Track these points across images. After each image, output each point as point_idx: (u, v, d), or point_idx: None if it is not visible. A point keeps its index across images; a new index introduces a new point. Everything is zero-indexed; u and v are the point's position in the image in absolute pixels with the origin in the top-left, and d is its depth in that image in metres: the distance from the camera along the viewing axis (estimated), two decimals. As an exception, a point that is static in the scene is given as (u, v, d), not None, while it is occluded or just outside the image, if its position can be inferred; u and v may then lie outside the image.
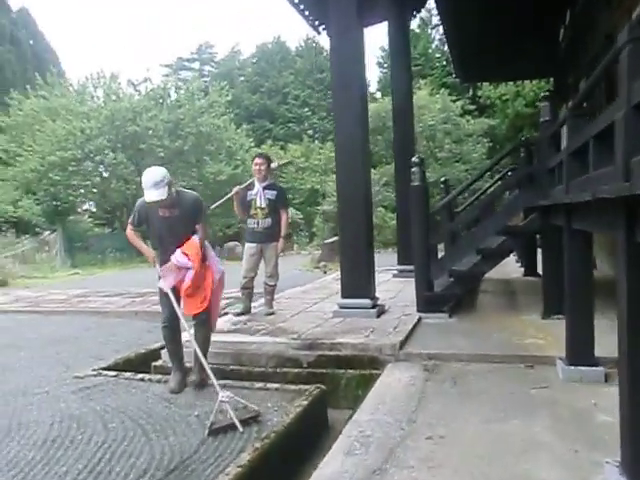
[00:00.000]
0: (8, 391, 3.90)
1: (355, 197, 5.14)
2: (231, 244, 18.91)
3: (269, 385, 3.63)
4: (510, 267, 8.78)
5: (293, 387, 3.57)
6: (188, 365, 3.82)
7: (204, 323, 3.67)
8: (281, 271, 5.66)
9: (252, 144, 24.69)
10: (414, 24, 27.75)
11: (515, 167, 7.12)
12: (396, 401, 3.08)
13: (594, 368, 3.21)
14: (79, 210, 23.67)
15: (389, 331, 4.41)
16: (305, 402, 3.25)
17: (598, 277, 3.58)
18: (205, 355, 3.58)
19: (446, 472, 2.23)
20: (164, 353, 4.21)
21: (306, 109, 33.81)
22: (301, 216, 23.24)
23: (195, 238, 3.56)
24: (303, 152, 27.09)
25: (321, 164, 24.03)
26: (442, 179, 9.41)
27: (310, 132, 31.90)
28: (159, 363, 4.37)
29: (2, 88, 23.68)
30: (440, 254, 6.09)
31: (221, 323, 4.88)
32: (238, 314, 5.40)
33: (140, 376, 3.96)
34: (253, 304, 5.68)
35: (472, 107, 24.44)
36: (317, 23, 8.62)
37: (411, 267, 5.54)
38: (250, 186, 5.43)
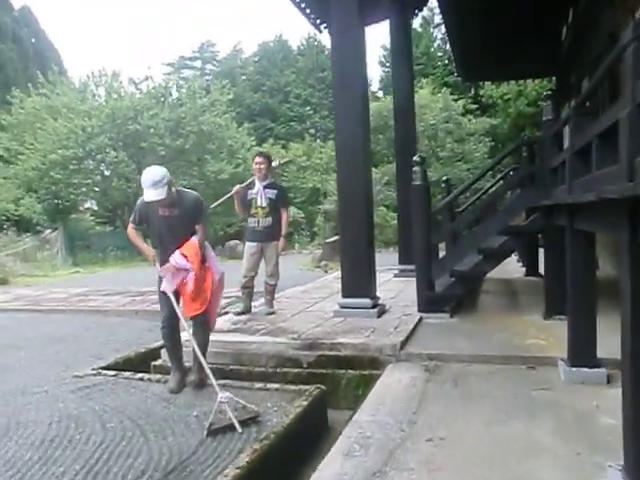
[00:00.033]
0: (7, 390, 3.89)
1: (356, 196, 5.12)
2: (232, 243, 18.89)
3: (269, 385, 3.61)
4: (512, 267, 8.75)
5: (293, 387, 3.55)
6: (187, 365, 3.80)
7: (203, 324, 3.65)
8: (282, 270, 5.64)
9: (253, 143, 24.66)
10: (416, 23, 27.68)
11: (517, 167, 7.08)
12: (396, 402, 3.05)
13: (596, 369, 3.18)
14: (81, 208, 23.67)
15: (390, 331, 4.39)
16: (305, 403, 3.23)
17: (600, 277, 3.55)
18: (204, 355, 3.56)
19: (446, 475, 2.21)
20: (164, 352, 4.19)
21: (308, 108, 33.74)
22: (302, 215, 23.20)
23: (194, 239, 3.54)
24: (305, 151, 27.04)
25: (322, 163, 23.98)
26: (444, 178, 9.37)
27: (312, 131, 31.81)
28: (159, 362, 4.35)
29: (4, 86, 23.70)
30: (441, 254, 6.06)
31: (221, 322, 4.86)
32: (238, 313, 5.39)
33: (139, 376, 3.94)
34: (253, 303, 5.66)
35: (474, 106, 24.38)
36: (319, 21, 8.59)
37: (412, 267, 5.52)
38: (251, 185, 5.41)
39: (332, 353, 4.06)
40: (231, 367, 4.11)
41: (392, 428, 2.67)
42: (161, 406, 3.38)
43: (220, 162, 21.35)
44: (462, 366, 3.67)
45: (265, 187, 5.33)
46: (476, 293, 6.32)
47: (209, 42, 42.12)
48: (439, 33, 29.39)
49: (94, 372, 4.12)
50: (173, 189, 3.49)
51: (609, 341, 3.47)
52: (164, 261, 3.56)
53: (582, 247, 3.20)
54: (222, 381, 3.55)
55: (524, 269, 8.36)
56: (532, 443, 2.46)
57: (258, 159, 5.40)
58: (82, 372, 4.14)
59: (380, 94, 29.31)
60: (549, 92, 5.27)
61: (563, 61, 9.82)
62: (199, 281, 3.52)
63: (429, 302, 5.07)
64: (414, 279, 5.27)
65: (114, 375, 4.02)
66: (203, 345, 3.61)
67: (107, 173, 20.46)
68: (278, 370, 4.02)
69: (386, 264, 9.12)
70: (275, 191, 5.38)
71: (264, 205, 5.30)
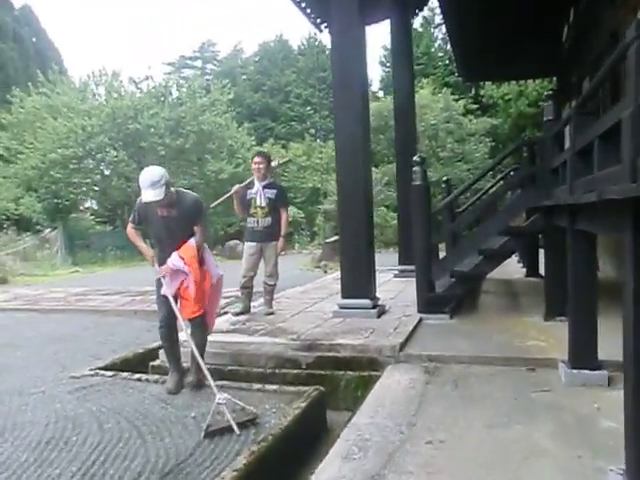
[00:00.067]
0: (4, 391, 3.86)
1: (356, 196, 5.09)
2: (232, 243, 18.88)
3: (267, 386, 3.58)
4: (512, 267, 8.72)
5: (292, 389, 3.52)
6: (186, 365, 3.78)
7: (201, 325, 3.63)
8: (281, 270, 5.62)
9: (254, 142, 24.64)
10: (417, 23, 27.66)
11: (517, 167, 7.06)
12: (396, 404, 3.03)
13: (597, 371, 3.15)
14: (81, 208, 23.67)
15: (389, 332, 4.36)
16: (303, 404, 3.20)
17: (601, 278, 3.52)
18: (202, 356, 3.54)
19: (446, 478, 2.18)
20: (162, 353, 4.17)
21: (308, 108, 33.69)
22: (302, 215, 23.18)
23: (192, 241, 3.51)
24: (305, 151, 27.03)
25: (322, 163, 23.95)
26: (444, 179, 9.35)
27: (312, 131, 31.76)
28: (157, 363, 4.33)
29: (4, 85, 23.68)
30: (441, 254, 6.04)
31: (220, 322, 4.84)
32: (237, 314, 5.36)
33: (137, 376, 3.92)
34: (253, 304, 5.63)
35: (474, 106, 24.35)
36: (319, 21, 8.56)
37: (412, 267, 5.49)
38: (250, 185, 5.39)
39: (331, 354, 4.03)
40: (229, 368, 4.09)
41: (391, 430, 2.65)
42: (159, 407, 3.35)
43: (220, 162, 21.34)
44: (462, 367, 3.64)
45: (264, 187, 5.31)
46: (476, 294, 6.30)
47: (210, 42, 42.14)
48: (440, 33, 29.39)
49: (92, 373, 4.09)
50: (172, 189, 3.47)
51: (610, 343, 3.44)
52: (163, 261, 3.53)
53: (583, 248, 3.17)
54: (220, 382, 3.53)
55: (524, 270, 8.34)
56: (532, 446, 2.43)
57: (257, 159, 5.38)
58: (79, 372, 4.11)
59: (380, 94, 29.30)
60: (550, 92, 5.23)
61: (564, 61, 9.80)
62: (198, 284, 3.50)
63: (429, 303, 5.05)
64: (414, 279, 5.24)
65: (112, 376, 4.00)
66: (201, 346, 3.59)
67: (107, 172, 20.46)
68: (277, 371, 3.99)
69: (386, 264, 9.10)
70: (274, 191, 5.36)
71: (263, 205, 5.27)
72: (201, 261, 3.55)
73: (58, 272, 15.77)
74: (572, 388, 3.12)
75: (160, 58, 59.05)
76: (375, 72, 33.08)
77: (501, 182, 7.32)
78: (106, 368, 4.28)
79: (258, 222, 5.29)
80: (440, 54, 28.91)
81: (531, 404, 2.96)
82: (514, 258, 9.16)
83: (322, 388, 3.50)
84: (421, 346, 4.08)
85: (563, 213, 3.48)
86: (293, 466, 2.83)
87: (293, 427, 2.94)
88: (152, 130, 19.42)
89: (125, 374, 4.00)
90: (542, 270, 5.86)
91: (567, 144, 3.71)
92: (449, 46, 15.25)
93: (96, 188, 21.09)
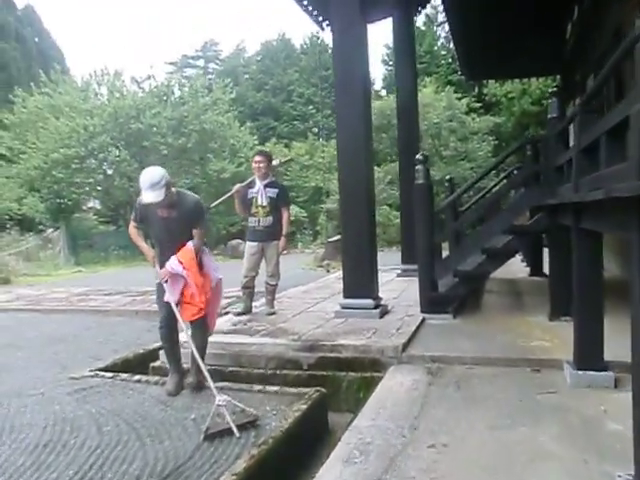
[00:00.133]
0: (3, 392, 3.83)
1: (358, 194, 5.05)
2: (234, 242, 18.85)
3: (268, 388, 3.55)
4: (516, 267, 8.66)
5: (293, 390, 3.48)
6: (186, 366, 3.74)
7: (201, 326, 3.59)
8: (283, 270, 5.58)
9: (256, 142, 24.59)
10: (419, 21, 27.59)
11: (521, 165, 7.00)
12: (398, 406, 2.98)
13: (603, 373, 3.10)
14: (84, 208, 23.69)
15: (392, 332, 4.32)
16: (304, 406, 3.16)
17: (606, 277, 3.46)
18: (203, 357, 3.50)
19: (449, 483, 2.14)
20: (162, 354, 4.13)
21: (311, 107, 33.62)
22: (305, 214, 23.13)
23: (189, 244, 3.47)
24: (307, 150, 26.97)
25: (325, 162, 23.89)
26: (447, 177, 9.30)
27: (314, 130, 31.71)
28: (157, 364, 4.30)
29: (7, 85, 23.67)
30: (445, 253, 5.99)
31: (221, 323, 4.80)
32: (239, 314, 5.32)
33: (137, 377, 3.89)
34: (254, 303, 5.60)
35: (478, 105, 24.24)
36: (321, 19, 8.49)
37: (415, 266, 5.44)
38: (251, 184, 5.35)
39: (333, 355, 3.99)
40: (230, 369, 4.05)
41: (393, 433, 2.60)
42: (158, 409, 3.32)
43: (222, 161, 21.32)
44: (465, 368, 3.60)
45: (266, 186, 5.27)
46: (480, 293, 6.24)
47: (212, 41, 42.11)
48: (442, 31, 29.29)
49: (91, 374, 4.06)
50: (173, 189, 3.43)
51: (616, 343, 3.38)
52: (163, 263, 3.50)
53: (588, 247, 3.12)
54: (220, 383, 3.50)
55: (528, 269, 8.27)
56: (537, 449, 2.38)
57: (257, 158, 5.34)
58: (79, 374, 4.08)
59: (383, 93, 29.19)
60: (554, 89, 5.18)
61: (568, 59, 9.72)
62: (199, 287, 3.46)
63: (432, 302, 5.00)
64: (417, 279, 5.19)
65: (111, 377, 3.97)
66: (201, 348, 3.55)
67: (109, 172, 20.45)
68: (278, 372, 3.95)
69: (389, 264, 9.06)
70: (276, 190, 5.31)
71: (264, 204, 5.23)
72: (200, 264, 3.51)
73: (61, 272, 15.78)
74: (578, 390, 3.07)
75: (162, 58, 59.04)
76: (378, 71, 33.08)
77: (504, 181, 7.26)
78: (106, 369, 4.25)
79: (259, 221, 5.25)
80: (443, 52, 28.80)
81: (536, 406, 2.91)
82: (518, 257, 9.09)
83: (323, 389, 3.46)
84: (424, 347, 4.03)
85: (568, 211, 3.43)
86: (294, 469, 2.79)
87: (294, 429, 2.90)
88: (154, 129, 19.40)
89: (125, 375, 3.97)
90: (546, 269, 5.81)
91: (572, 142, 3.66)
92: (452, 44, 15.19)
93: (99, 188, 21.09)
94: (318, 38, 35.54)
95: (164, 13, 73.37)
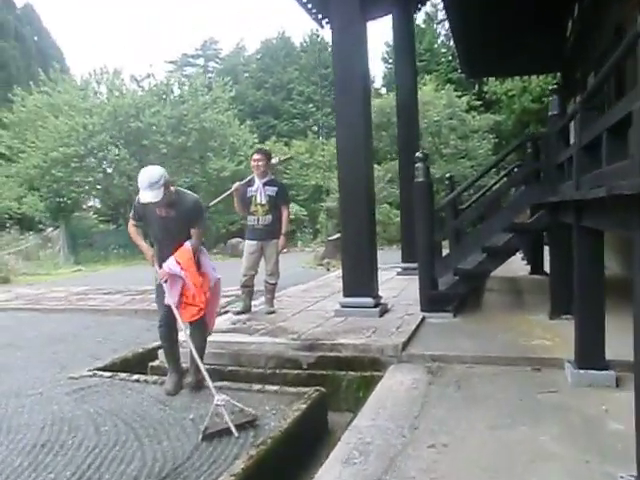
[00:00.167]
0: (1, 392, 3.82)
1: (357, 193, 5.03)
2: (234, 241, 18.81)
3: (267, 387, 3.53)
4: (516, 265, 8.64)
5: (292, 389, 3.47)
6: (185, 366, 3.72)
7: (200, 326, 3.57)
8: (283, 268, 5.56)
9: (256, 140, 24.53)
10: (419, 19, 27.51)
11: (521, 163, 6.97)
12: (398, 406, 2.96)
13: (605, 372, 3.07)
14: (84, 206, 23.66)
15: (392, 331, 4.30)
16: (304, 405, 3.14)
17: (607, 275, 3.43)
18: (202, 357, 3.48)
19: (449, 484, 2.12)
20: (161, 353, 4.12)
21: (311, 105, 33.57)
22: (305, 213, 23.10)
23: (187, 244, 3.44)
24: (307, 148, 26.93)
25: (325, 160, 23.88)
26: (447, 175, 9.27)
27: (314, 128, 31.72)
28: (156, 363, 4.28)
29: (6, 84, 23.64)
30: (445, 252, 5.97)
31: (220, 322, 4.78)
32: (238, 313, 5.30)
33: (136, 377, 3.87)
34: (254, 302, 5.58)
35: (478, 103, 24.19)
36: (320, 16, 8.45)
37: (415, 265, 5.42)
38: (250, 182, 5.32)
39: (332, 354, 3.97)
40: (229, 368, 4.03)
41: (393, 433, 2.58)
42: (157, 409, 3.30)
43: (222, 160, 21.29)
44: (465, 367, 3.57)
45: (265, 184, 5.24)
46: (480, 292, 6.22)
47: (212, 39, 42.02)
48: (442, 29, 29.24)
49: (90, 373, 4.04)
50: (172, 188, 3.41)
51: (618, 342, 3.36)
52: (161, 261, 3.48)
53: (589, 245, 3.10)
54: (219, 383, 3.48)
55: (529, 267, 8.25)
56: (538, 449, 2.36)
57: (256, 156, 5.31)
58: (78, 373, 4.06)
59: (383, 91, 29.15)
60: (555, 86, 5.15)
61: (568, 57, 9.70)
62: (198, 287, 3.44)
63: (432, 301, 4.98)
64: (417, 277, 5.17)
65: (110, 376, 3.95)
66: (200, 348, 3.53)
67: (109, 171, 20.43)
68: (277, 371, 3.93)
69: (389, 262, 9.03)
70: (275, 188, 5.29)
71: (264, 202, 5.21)
72: (198, 264, 3.49)
73: (61, 271, 15.76)
74: (579, 389, 3.05)
75: (162, 57, 59.13)
76: (378, 69, 33.02)
77: (505, 179, 7.23)
78: (105, 369, 4.22)
79: (258, 220, 5.22)
80: (443, 50, 28.75)
81: (536, 405, 2.88)
82: (518, 255, 9.07)
83: (323, 389, 3.44)
84: (424, 346, 4.01)
85: (569, 209, 3.41)
86: (293, 469, 2.77)
87: (293, 429, 2.89)
88: (154, 128, 19.37)
89: (124, 375, 3.95)
90: (547, 267, 5.78)
91: (572, 140, 3.64)
92: (452, 42, 15.17)
93: (98, 187, 21.07)
94: (318, 36, 35.47)
95: (164, 13, 73.22)
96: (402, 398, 3.08)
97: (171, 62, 39.75)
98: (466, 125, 23.12)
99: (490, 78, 17.79)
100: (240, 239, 17.83)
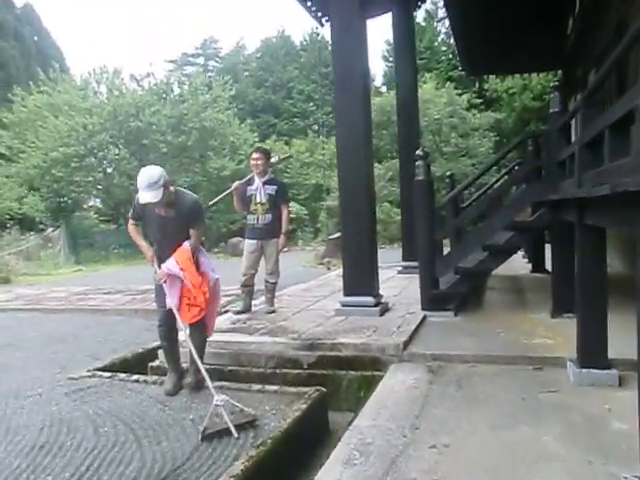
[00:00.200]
0: (0, 393, 3.79)
1: (358, 192, 5.00)
2: (234, 240, 18.79)
3: (267, 387, 3.51)
4: (517, 263, 8.61)
5: (292, 389, 3.44)
6: (185, 365, 3.70)
7: (200, 327, 3.54)
8: (284, 267, 5.53)
9: (256, 139, 24.52)
10: (419, 17, 27.51)
11: (522, 161, 6.94)
12: (399, 405, 2.94)
13: (607, 371, 3.05)
14: (85, 206, 23.65)
15: (392, 330, 4.27)
16: (304, 405, 3.12)
17: (609, 273, 3.40)
18: (201, 357, 3.46)
19: (451, 485, 2.09)
20: (161, 353, 4.10)
21: (311, 104, 33.53)
22: (306, 212, 23.08)
23: (186, 244, 3.42)
24: (308, 147, 26.89)
25: (325, 159, 23.85)
26: (448, 174, 9.24)
27: (315, 127, 31.68)
28: (156, 363, 4.26)
29: (6, 84, 23.62)
30: (446, 250, 5.94)
31: (220, 321, 4.75)
32: (238, 312, 5.28)
33: (135, 377, 3.85)
34: (254, 302, 5.55)
35: (478, 101, 24.15)
36: (320, 15, 8.43)
37: (416, 264, 5.39)
38: (250, 181, 5.30)
39: (333, 353, 3.95)
40: (229, 368, 4.01)
41: (394, 434, 2.56)
42: (156, 409, 3.28)
43: (222, 159, 21.27)
44: (466, 367, 3.55)
45: (264, 183, 5.22)
46: (481, 290, 6.19)
47: (212, 38, 42.00)
48: (443, 27, 29.19)
49: (89, 374, 4.02)
50: (171, 188, 3.39)
51: (621, 341, 3.33)
52: (160, 261, 3.46)
53: (592, 243, 3.07)
54: (219, 383, 3.46)
55: (530, 265, 8.22)
56: (540, 449, 2.34)
57: (255, 155, 5.29)
58: (77, 374, 4.04)
59: (383, 89, 29.10)
60: (556, 83, 5.12)
61: (569, 54, 9.65)
62: (197, 287, 3.41)
63: (433, 300, 4.95)
64: (418, 276, 5.14)
65: (110, 377, 3.92)
66: (200, 348, 3.50)
67: (109, 170, 20.41)
68: (277, 371, 3.91)
69: (390, 261, 9.01)
70: (275, 187, 5.26)
71: (263, 201, 5.18)
72: (197, 264, 3.46)
73: (61, 271, 15.75)
74: (581, 388, 3.03)
75: (162, 57, 59.07)
76: (378, 67, 32.97)
77: (506, 177, 7.20)
78: (104, 369, 4.20)
79: (258, 219, 5.20)
80: (443, 48, 28.68)
81: (538, 405, 2.86)
82: (519, 254, 9.04)
83: (323, 389, 3.41)
84: (425, 345, 3.99)
85: (571, 207, 3.38)
86: (293, 470, 2.75)
87: (293, 429, 2.86)
88: (154, 127, 19.35)
89: (123, 375, 3.93)
90: (548, 266, 5.75)
91: (574, 137, 3.61)
92: (452, 40, 15.12)
93: (99, 186, 21.06)
94: (318, 35, 35.45)
95: (164, 13, 73.19)
96: (403, 398, 3.06)
97: (171, 61, 39.77)
98: (467, 123, 23.08)
99: (491, 76, 17.73)
100: (241, 238, 17.76)
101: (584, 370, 3.09)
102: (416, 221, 5.10)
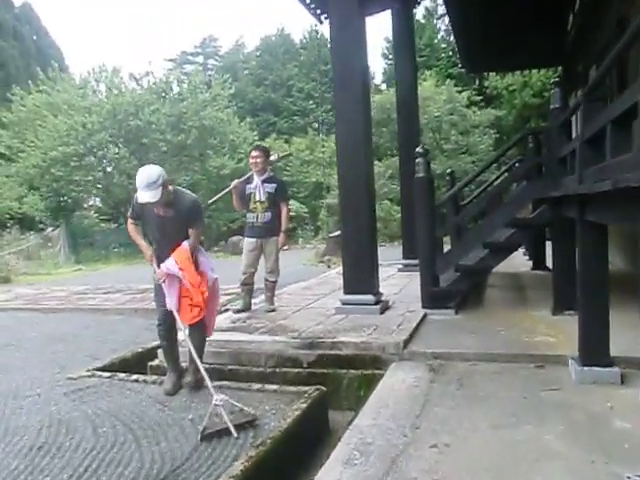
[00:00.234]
0: (-1, 393, 3.78)
1: (357, 190, 4.97)
2: (235, 238, 18.75)
3: (267, 386, 3.49)
4: (518, 260, 8.58)
5: (292, 388, 3.42)
6: (184, 365, 3.69)
7: (200, 328, 3.52)
8: (284, 266, 5.51)
9: (256, 137, 24.47)
10: (419, 14, 27.46)
11: (523, 158, 6.91)
12: (399, 404, 2.92)
13: (609, 369, 3.02)
14: (85, 205, 23.62)
15: (393, 329, 4.25)
16: (304, 405, 3.10)
17: (611, 271, 3.38)
18: (201, 357, 3.45)
19: (452, 485, 2.07)
20: (160, 353, 4.08)
21: (310, 102, 33.43)
22: (306, 210, 23.04)
23: (185, 244, 3.40)
24: (308, 145, 26.83)
25: (326, 157, 23.80)
26: (448, 171, 9.21)
27: (315, 125, 31.58)
28: (155, 363, 4.24)
29: (5, 84, 23.61)
30: (446, 248, 5.91)
31: (220, 320, 4.73)
32: (238, 311, 5.26)
33: (134, 377, 3.83)
34: (254, 300, 5.53)
35: (478, 98, 24.07)
36: (319, 12, 8.39)
37: (416, 261, 5.37)
38: (249, 179, 5.27)
39: (333, 352, 3.92)
40: (229, 367, 3.99)
41: (394, 433, 2.54)
42: (156, 409, 3.27)
43: (222, 157, 21.23)
44: (468, 365, 3.53)
45: (264, 181, 5.19)
46: (482, 288, 6.17)
47: (211, 37, 41.96)
48: (442, 24, 29.12)
49: (89, 374, 4.00)
50: (170, 188, 3.37)
51: (623, 338, 3.33)
52: (159, 260, 3.44)
53: (593, 239, 3.05)
54: (219, 382, 3.45)
55: (531, 263, 8.20)
56: (542, 449, 2.32)
57: (254, 153, 5.26)
58: (77, 374, 4.02)
59: (383, 87, 29.02)
60: (556, 79, 5.10)
61: (569, 50, 9.61)
62: (196, 286, 3.39)
63: (433, 298, 4.93)
64: (418, 274, 5.12)
65: (109, 377, 3.90)
66: (199, 348, 3.48)
67: (109, 170, 20.38)
68: (277, 370, 3.89)
69: (390, 258, 8.99)
70: (274, 185, 5.24)
71: (263, 200, 5.16)
72: (196, 263, 3.44)
73: (61, 270, 15.73)
74: (583, 386, 3.00)
75: (161, 56, 58.96)
76: (378, 65, 32.95)
77: (506, 174, 7.17)
78: (104, 369, 4.18)
79: (257, 217, 5.18)
80: (443, 45, 28.60)
81: (540, 403, 2.84)
82: (520, 251, 9.02)
83: (324, 388, 3.39)
84: (425, 343, 3.97)
85: (572, 204, 3.35)
86: (293, 470, 2.73)
87: (293, 429, 2.85)
88: (153, 126, 19.31)
89: (122, 375, 3.91)
90: (549, 263, 5.73)
91: (574, 133, 3.59)
92: (452, 37, 15.07)
93: (99, 185, 21.03)
94: (317, 32, 35.21)
95: (164, 12, 73.08)
96: (403, 397, 3.04)
97: (170, 60, 39.69)
98: (467, 120, 23.01)
99: (490, 73, 17.65)
100: (241, 237, 17.74)
101: (586, 368, 3.07)
102: (416, 219, 5.07)
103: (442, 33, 29.44)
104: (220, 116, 21.56)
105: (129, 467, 2.54)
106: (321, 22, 8.71)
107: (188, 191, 3.66)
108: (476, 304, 5.37)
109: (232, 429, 2.81)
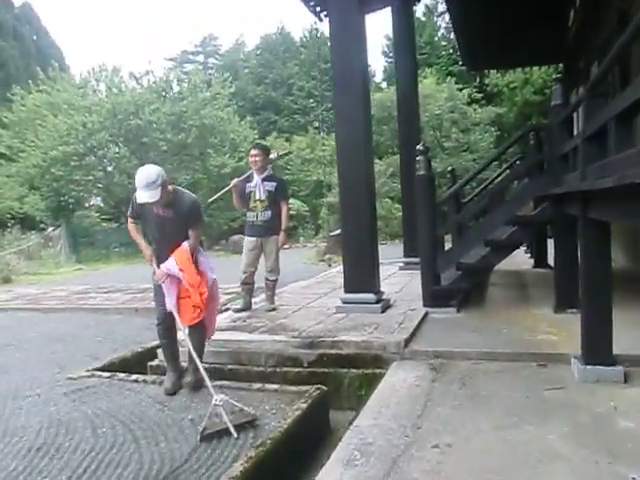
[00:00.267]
0: (-2, 394, 3.76)
1: (358, 188, 4.94)
2: (236, 237, 18.72)
3: (267, 386, 3.46)
4: (520, 258, 8.56)
5: (293, 388, 3.40)
6: (184, 364, 3.66)
7: (199, 328, 3.49)
8: (285, 264, 5.49)
9: (256, 136, 24.43)
10: (419, 12, 27.39)
11: (524, 155, 6.88)
12: (400, 404, 2.89)
13: (612, 367, 2.99)
14: (86, 205, 23.62)
15: (394, 327, 4.22)
16: (304, 405, 3.08)
17: (613, 268, 3.35)
18: (201, 357, 3.42)
19: (454, 485, 2.05)
20: (160, 352, 4.06)
21: (311, 100, 33.39)
22: (306, 208, 23.02)
23: (185, 245, 3.38)
24: (308, 144, 26.81)
25: (326, 155, 23.76)
26: (449, 169, 9.16)
27: (315, 123, 31.51)
28: (155, 363, 4.22)
29: (5, 84, 23.61)
30: (447, 246, 5.88)
31: (220, 320, 4.70)
32: (238, 310, 5.24)
33: (134, 377, 3.80)
34: (254, 299, 5.51)
35: (479, 95, 24.05)
36: (319, 9, 8.35)
37: (417, 259, 5.34)
38: (249, 178, 5.25)
39: (334, 351, 3.90)
40: (229, 367, 3.97)
41: (395, 433, 2.51)
42: (155, 409, 3.24)
43: (223, 156, 21.18)
44: (469, 364, 3.50)
45: (264, 180, 5.17)
46: (483, 286, 6.14)
47: (211, 36, 41.92)
48: (443, 22, 29.06)
49: (88, 374, 3.98)
50: (170, 187, 3.34)
51: (626, 337, 3.30)
52: (159, 260, 3.42)
53: (596, 237, 3.02)
54: (219, 382, 3.43)
55: (532, 260, 8.17)
56: (545, 449, 2.29)
57: (253, 151, 5.24)
58: (76, 374, 4.00)
59: (384, 85, 29.00)
60: (558, 75, 5.06)
61: (571, 47, 9.56)
62: (195, 287, 3.37)
63: (435, 296, 4.90)
64: (419, 272, 5.09)
65: (109, 377, 3.88)
66: (199, 348, 3.46)
67: (109, 169, 20.35)
68: (278, 370, 3.87)
69: (391, 257, 8.96)
70: (274, 184, 5.21)
71: (263, 198, 5.13)
72: (196, 263, 3.42)
73: (62, 270, 15.72)
74: (586, 385, 2.97)
75: (161, 56, 58.93)
76: (378, 63, 32.89)
77: (507, 171, 7.15)
78: (104, 369, 4.16)
79: (257, 216, 5.15)
80: (443, 43, 28.57)
81: (543, 403, 2.81)
82: (522, 249, 8.99)
83: (324, 387, 3.37)
84: (427, 342, 3.94)
85: (574, 201, 3.33)
86: (293, 471, 2.71)
87: (294, 429, 2.82)
88: (153, 125, 19.27)
89: (122, 375, 3.89)
90: (551, 260, 5.70)
91: (576, 130, 3.55)
92: (453, 35, 15.02)
93: (99, 185, 20.99)
94: (317, 31, 35.18)
95: (164, 12, 72.97)
96: (405, 396, 3.01)
97: (170, 59, 39.67)
98: (467, 118, 22.99)
99: (491, 70, 17.60)
100: (241, 235, 17.73)
101: (589, 367, 3.04)
102: (417, 217, 5.04)
103: (442, 30, 29.40)
104: (220, 115, 21.51)
105: (128, 468, 2.52)
106: (321, 20, 8.67)
107: (188, 191, 3.63)
108: (478, 302, 5.34)
109: (232, 429, 2.79)
